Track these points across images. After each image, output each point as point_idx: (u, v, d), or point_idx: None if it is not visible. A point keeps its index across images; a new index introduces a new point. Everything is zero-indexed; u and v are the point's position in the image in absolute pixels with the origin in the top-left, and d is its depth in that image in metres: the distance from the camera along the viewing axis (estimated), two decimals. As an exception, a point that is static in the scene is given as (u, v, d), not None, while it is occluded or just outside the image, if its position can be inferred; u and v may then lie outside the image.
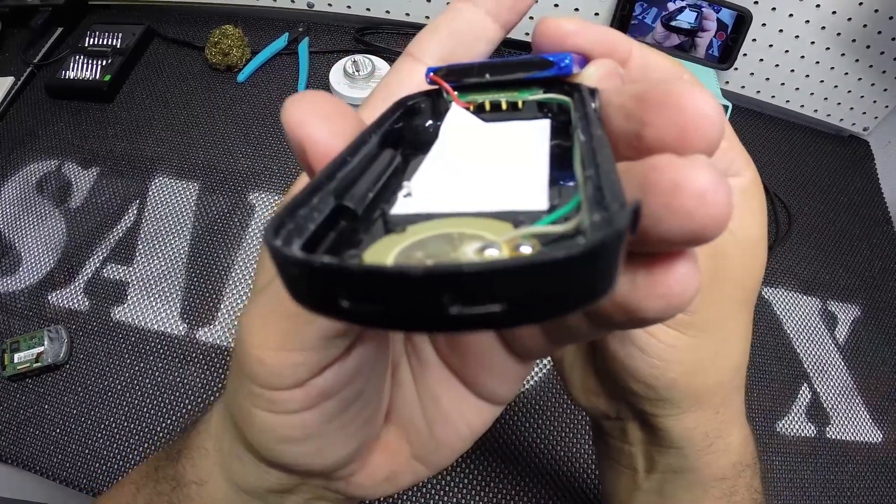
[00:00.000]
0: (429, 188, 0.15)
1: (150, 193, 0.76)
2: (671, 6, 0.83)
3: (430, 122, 0.19)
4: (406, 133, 0.18)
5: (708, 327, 0.24)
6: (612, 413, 0.30)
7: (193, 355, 0.64)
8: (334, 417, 0.21)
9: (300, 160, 0.16)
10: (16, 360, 0.60)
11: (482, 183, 0.15)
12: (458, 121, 0.18)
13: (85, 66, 0.85)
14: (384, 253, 0.13)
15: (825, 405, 0.69)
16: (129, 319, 0.66)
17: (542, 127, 0.17)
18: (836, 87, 0.91)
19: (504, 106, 0.18)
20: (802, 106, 0.95)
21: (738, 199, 0.24)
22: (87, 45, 0.88)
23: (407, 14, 0.95)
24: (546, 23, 0.20)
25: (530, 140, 0.17)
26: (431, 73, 0.18)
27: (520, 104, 0.18)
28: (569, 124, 0.17)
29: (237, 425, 0.22)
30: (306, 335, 0.18)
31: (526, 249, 0.12)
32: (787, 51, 0.88)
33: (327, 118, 0.16)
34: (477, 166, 0.16)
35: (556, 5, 0.89)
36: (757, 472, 0.30)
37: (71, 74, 0.84)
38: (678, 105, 0.14)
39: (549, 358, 0.57)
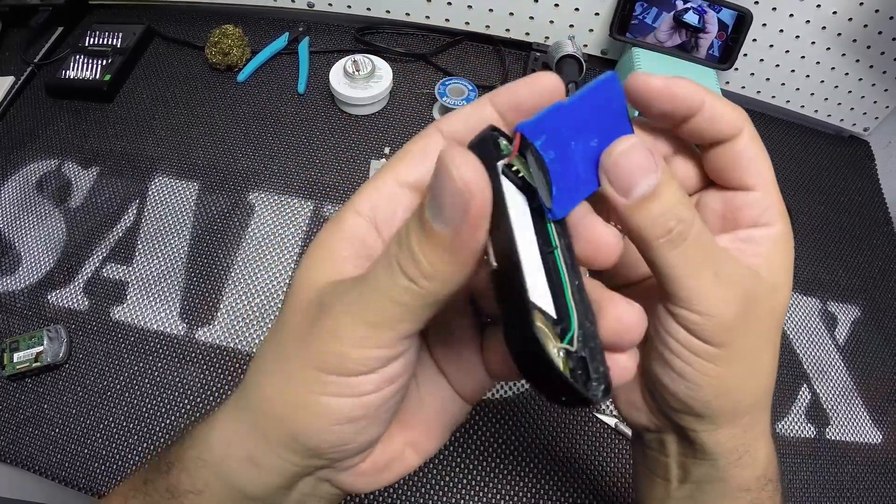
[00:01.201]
0: None
1: (150, 193, 0.76)
2: (679, 5, 0.83)
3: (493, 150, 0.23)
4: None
5: (736, 358, 0.27)
6: (652, 426, 0.33)
7: (192, 355, 0.64)
8: (387, 401, 0.25)
9: (462, 212, 0.20)
10: (15, 360, 0.60)
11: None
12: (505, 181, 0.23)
13: (85, 65, 0.86)
14: None
15: (825, 406, 0.69)
16: (129, 319, 0.66)
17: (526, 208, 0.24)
18: (836, 87, 0.91)
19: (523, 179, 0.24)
20: (803, 106, 0.95)
21: (769, 248, 0.28)
22: (87, 44, 0.88)
23: (407, 14, 0.95)
24: (637, 78, 0.26)
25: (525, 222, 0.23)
26: (519, 131, 0.22)
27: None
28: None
29: (274, 419, 0.25)
30: (387, 337, 0.23)
31: (561, 354, 0.21)
32: (787, 51, 0.88)
33: (481, 174, 0.20)
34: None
35: (557, 5, 0.89)
36: (779, 489, 0.32)
37: (71, 74, 0.85)
38: (589, 239, 0.24)
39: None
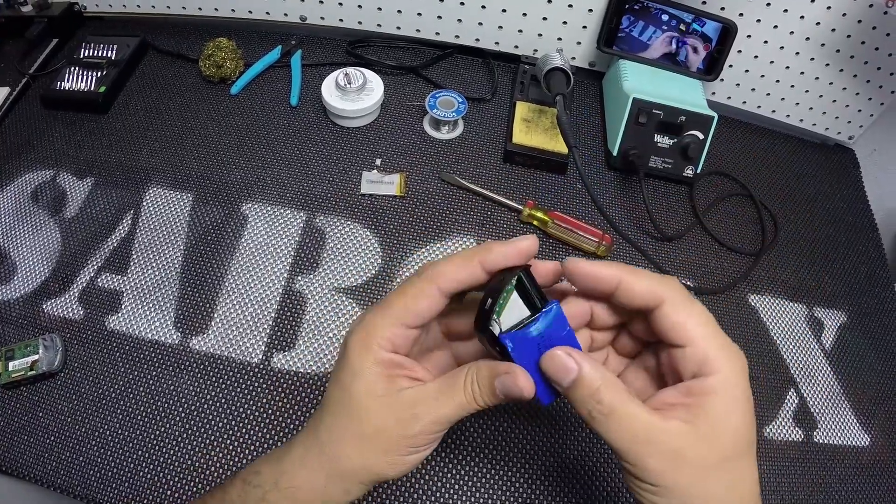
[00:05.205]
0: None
1: (145, 204, 0.76)
2: (664, 19, 0.85)
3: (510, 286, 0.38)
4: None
5: (674, 495, 0.34)
6: None
7: (187, 364, 0.64)
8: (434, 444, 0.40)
9: (513, 395, 0.38)
10: (10, 368, 0.60)
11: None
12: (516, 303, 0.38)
13: (80, 77, 0.86)
14: None
15: (812, 410, 0.70)
16: (124, 328, 0.66)
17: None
18: (820, 96, 0.93)
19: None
20: (788, 116, 0.97)
21: (707, 399, 0.34)
22: (82, 56, 0.89)
23: (398, 27, 0.96)
24: (569, 263, 0.38)
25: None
26: (502, 341, 0.38)
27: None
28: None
29: (353, 469, 0.39)
30: (444, 426, 0.39)
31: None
32: (772, 62, 0.90)
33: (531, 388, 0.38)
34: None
35: (545, 18, 0.91)
36: None
37: (66, 85, 0.85)
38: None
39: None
